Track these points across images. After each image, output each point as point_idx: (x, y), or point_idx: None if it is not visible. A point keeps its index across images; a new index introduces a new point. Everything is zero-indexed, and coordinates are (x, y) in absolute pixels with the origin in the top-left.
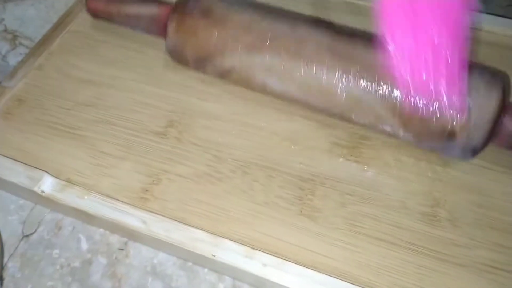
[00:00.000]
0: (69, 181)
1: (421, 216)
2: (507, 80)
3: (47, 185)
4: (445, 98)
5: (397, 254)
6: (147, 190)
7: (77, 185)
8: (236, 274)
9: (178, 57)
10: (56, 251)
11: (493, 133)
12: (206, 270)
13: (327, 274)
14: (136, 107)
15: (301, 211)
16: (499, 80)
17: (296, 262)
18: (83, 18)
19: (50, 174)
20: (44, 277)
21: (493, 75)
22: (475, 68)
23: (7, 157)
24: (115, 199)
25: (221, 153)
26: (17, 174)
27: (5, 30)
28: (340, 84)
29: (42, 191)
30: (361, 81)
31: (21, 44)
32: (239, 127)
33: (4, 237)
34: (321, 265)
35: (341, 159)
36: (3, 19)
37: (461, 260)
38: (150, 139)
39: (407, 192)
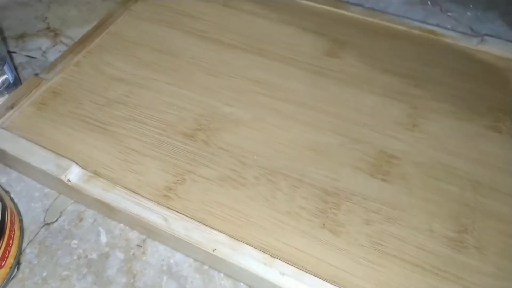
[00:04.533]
0: (95, 173)
1: (447, 241)
2: None
3: (74, 174)
4: None
5: (420, 277)
6: (170, 189)
7: (103, 177)
8: (252, 281)
9: None
10: (75, 241)
11: None
12: (222, 275)
13: None
14: (167, 108)
15: (324, 225)
16: None
17: (316, 274)
18: (124, 22)
19: (78, 164)
20: (60, 266)
21: None
22: None
23: (38, 144)
24: (139, 194)
25: (246, 159)
26: (46, 162)
27: (48, 28)
28: None
29: (69, 180)
30: None
31: (61, 42)
32: (266, 136)
33: (25, 223)
34: (341, 280)
35: (368, 176)
36: (46, 18)
37: None
38: (178, 140)
39: (434, 215)
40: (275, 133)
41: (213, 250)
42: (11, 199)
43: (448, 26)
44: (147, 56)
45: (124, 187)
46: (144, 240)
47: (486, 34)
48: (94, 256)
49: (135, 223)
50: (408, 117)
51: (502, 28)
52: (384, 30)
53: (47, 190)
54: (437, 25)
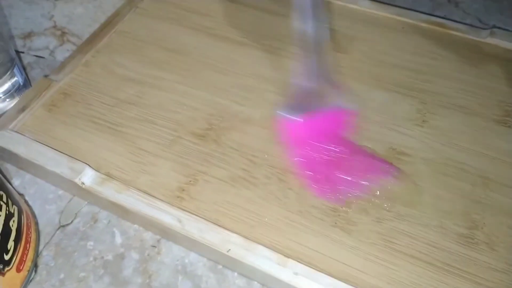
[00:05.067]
0: (108, 175)
1: (458, 237)
2: None
3: (87, 177)
4: None
5: (432, 274)
6: (183, 190)
7: (116, 179)
8: (265, 280)
9: None
10: (91, 243)
11: None
12: (235, 274)
13: None
14: (177, 108)
15: (336, 223)
16: None
17: (329, 273)
18: (131, 20)
19: (91, 167)
20: (76, 268)
21: None
22: None
23: (50, 147)
24: (152, 196)
25: (257, 158)
26: (60, 165)
27: (55, 27)
28: None
29: (83, 183)
30: None
31: (68, 40)
32: (275, 134)
33: (40, 226)
34: (354, 279)
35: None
36: (52, 16)
37: (497, 285)
38: (189, 140)
39: (444, 211)
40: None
41: (227, 251)
42: (26, 202)
43: (456, 18)
44: (156, 55)
45: (137, 188)
46: (158, 241)
47: (495, 26)
48: (110, 257)
49: (149, 224)
50: (418, 112)
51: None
52: (392, 24)
53: (60, 192)
54: (445, 17)
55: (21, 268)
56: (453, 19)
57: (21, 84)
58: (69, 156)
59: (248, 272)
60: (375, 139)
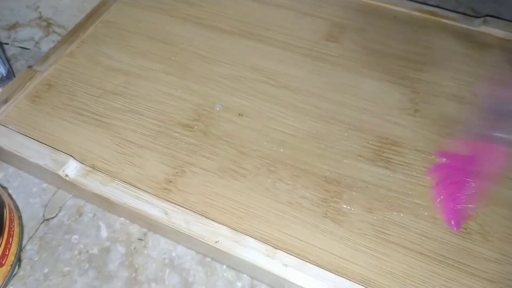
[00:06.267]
0: (93, 167)
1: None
2: None
3: (71, 169)
4: None
5: (424, 265)
6: (170, 181)
7: (101, 171)
8: (255, 272)
9: None
10: (75, 236)
11: None
12: (224, 267)
13: (349, 279)
14: (164, 98)
15: (326, 214)
16: None
17: (318, 265)
18: (117, 9)
19: (75, 158)
20: (61, 262)
21: None
22: None
23: (34, 139)
24: (138, 188)
25: (246, 149)
26: (43, 157)
27: (40, 18)
28: None
29: (66, 175)
30: None
31: (54, 31)
32: (265, 124)
33: (24, 219)
34: (344, 270)
35: (370, 164)
36: (38, 7)
37: (490, 275)
38: (176, 131)
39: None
40: (275, 121)
41: (215, 243)
42: (9, 195)
43: (449, 7)
44: (143, 45)
45: (122, 180)
46: (145, 234)
47: (488, 15)
48: (95, 251)
49: (135, 217)
50: (410, 102)
51: (504, 7)
52: (384, 12)
53: (45, 185)
54: (438, 6)
55: (3, 262)
56: (445, 8)
57: (4, 75)
58: (53, 147)
59: (236, 265)
60: (367, 129)
